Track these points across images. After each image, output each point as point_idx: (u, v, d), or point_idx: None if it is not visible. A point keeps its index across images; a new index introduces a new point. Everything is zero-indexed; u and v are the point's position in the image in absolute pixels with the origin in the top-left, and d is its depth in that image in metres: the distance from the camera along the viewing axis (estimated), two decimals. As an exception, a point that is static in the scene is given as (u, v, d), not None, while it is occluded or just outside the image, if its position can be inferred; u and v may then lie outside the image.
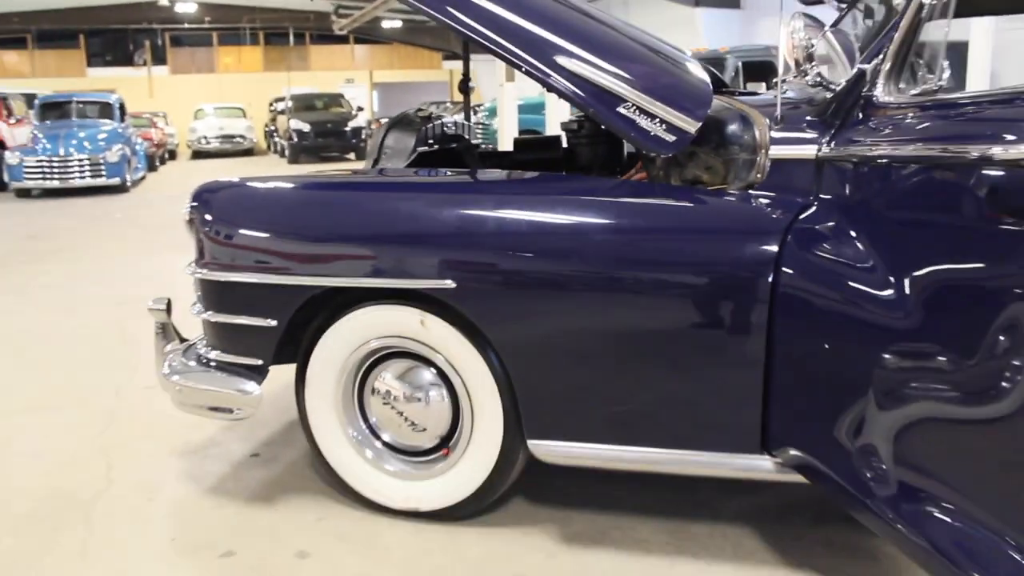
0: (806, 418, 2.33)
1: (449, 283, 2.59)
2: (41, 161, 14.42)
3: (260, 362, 2.92)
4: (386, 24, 32.28)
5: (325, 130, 22.66)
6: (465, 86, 4.14)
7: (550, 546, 2.71)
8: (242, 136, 27.30)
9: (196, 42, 35.28)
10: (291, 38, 35.91)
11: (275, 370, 2.95)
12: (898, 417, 2.12)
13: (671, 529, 2.78)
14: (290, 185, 2.99)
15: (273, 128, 27.37)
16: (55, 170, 14.46)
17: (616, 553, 2.66)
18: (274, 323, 2.84)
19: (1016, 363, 1.89)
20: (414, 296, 2.70)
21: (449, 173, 3.19)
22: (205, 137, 26.92)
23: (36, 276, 7.53)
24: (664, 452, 2.54)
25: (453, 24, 2.75)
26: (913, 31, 2.31)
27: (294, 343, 2.92)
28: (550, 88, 2.67)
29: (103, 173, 14.68)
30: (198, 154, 26.27)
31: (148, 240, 9.49)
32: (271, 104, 28.39)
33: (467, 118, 4.36)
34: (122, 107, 16.88)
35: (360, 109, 24.70)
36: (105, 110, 16.57)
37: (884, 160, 2.23)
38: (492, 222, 2.64)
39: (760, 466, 2.45)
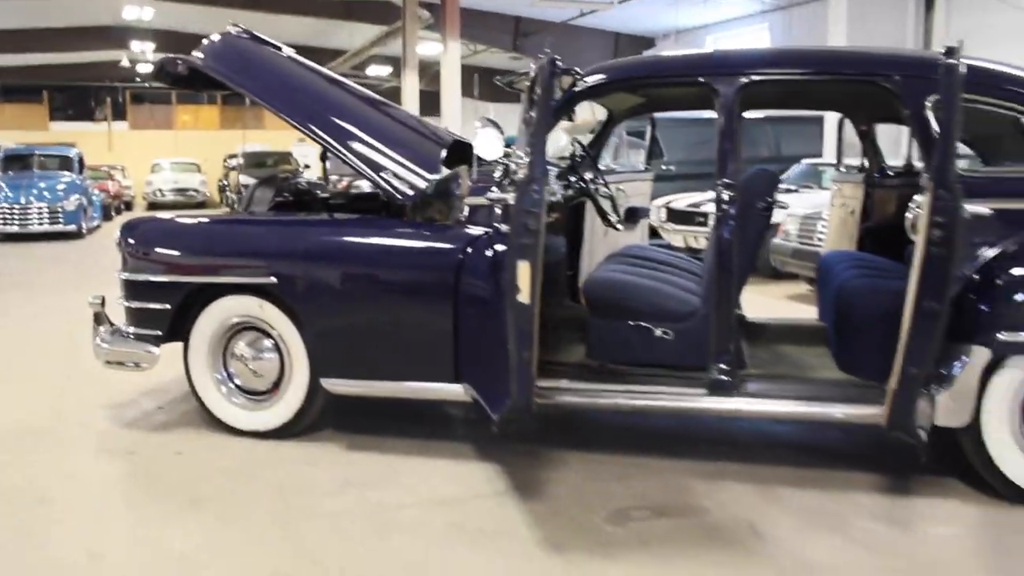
0: (471, 361, 3.96)
1: (273, 280, 4.21)
2: (3, 208, 15.91)
3: (159, 333, 4.50)
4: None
5: (271, 186, 24.13)
6: (324, 154, 5.81)
7: (337, 454, 4.29)
8: (195, 190, 28.84)
9: (156, 99, 36.82)
10: (247, 99, 37.46)
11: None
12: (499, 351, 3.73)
13: (421, 446, 4.39)
14: (180, 220, 4.63)
15: (226, 183, 28.91)
16: (15, 217, 15.95)
17: (379, 457, 4.25)
18: (168, 307, 4.44)
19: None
20: (254, 289, 4.31)
21: (281, 215, 4.84)
22: (160, 190, 28.44)
23: None
24: (401, 384, 4.17)
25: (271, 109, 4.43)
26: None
27: (183, 324, 4.49)
28: (339, 157, 4.34)
29: (60, 220, 16.19)
30: (153, 205, 27.70)
31: (96, 276, 10.98)
32: (225, 160, 29.93)
33: (324, 178, 6.03)
34: (80, 160, 18.45)
35: (307, 167, 26.29)
36: (65, 162, 18.15)
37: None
38: (300, 242, 4.29)
39: (455, 391, 4.06)
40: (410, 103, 18.30)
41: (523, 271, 3.30)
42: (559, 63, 3.54)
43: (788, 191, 11.20)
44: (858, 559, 3.18)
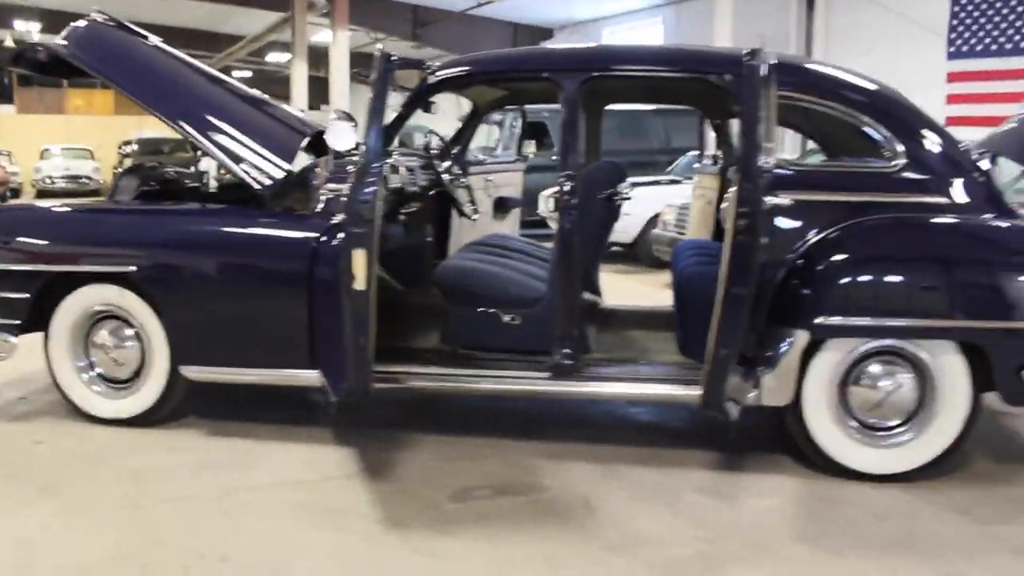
0: (325, 347, 4.06)
1: (132, 268, 4.25)
2: None
3: (18, 322, 4.49)
4: (236, 74, 33.60)
5: (165, 173, 23.71)
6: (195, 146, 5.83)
7: (197, 440, 4.36)
8: (88, 177, 28.04)
9: (45, 83, 35.69)
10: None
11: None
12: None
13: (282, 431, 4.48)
14: (40, 208, 4.63)
15: (120, 170, 28.23)
16: None
17: (238, 442, 4.33)
18: (27, 296, 4.43)
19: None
20: (114, 278, 4.34)
21: (143, 204, 4.86)
22: (50, 177, 27.57)
23: None
24: (258, 370, 4.25)
25: (136, 100, 4.45)
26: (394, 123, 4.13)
27: (45, 314, 4.49)
28: (199, 147, 4.39)
29: (-61, 207, 15.68)
30: (43, 193, 26.87)
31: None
32: (119, 147, 29.22)
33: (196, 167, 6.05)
34: (-38, 145, 17.84)
35: (204, 154, 25.88)
36: (-56, 147, 17.52)
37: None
38: (158, 231, 4.34)
39: (311, 376, 4.16)
40: (299, 90, 18.27)
41: (358, 259, 3.43)
42: (394, 58, 3.67)
43: (673, 182, 11.56)
44: (680, 530, 3.39)
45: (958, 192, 4.00)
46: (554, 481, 3.83)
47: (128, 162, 24.75)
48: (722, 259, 3.28)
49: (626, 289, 8.78)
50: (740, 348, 3.49)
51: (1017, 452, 4.37)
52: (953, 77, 14.14)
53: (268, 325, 4.21)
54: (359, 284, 3.45)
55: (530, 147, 6.57)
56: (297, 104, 18.59)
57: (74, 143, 30.17)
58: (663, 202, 9.91)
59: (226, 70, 31.52)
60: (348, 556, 3.17)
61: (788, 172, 3.92)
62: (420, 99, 4.23)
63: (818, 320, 3.72)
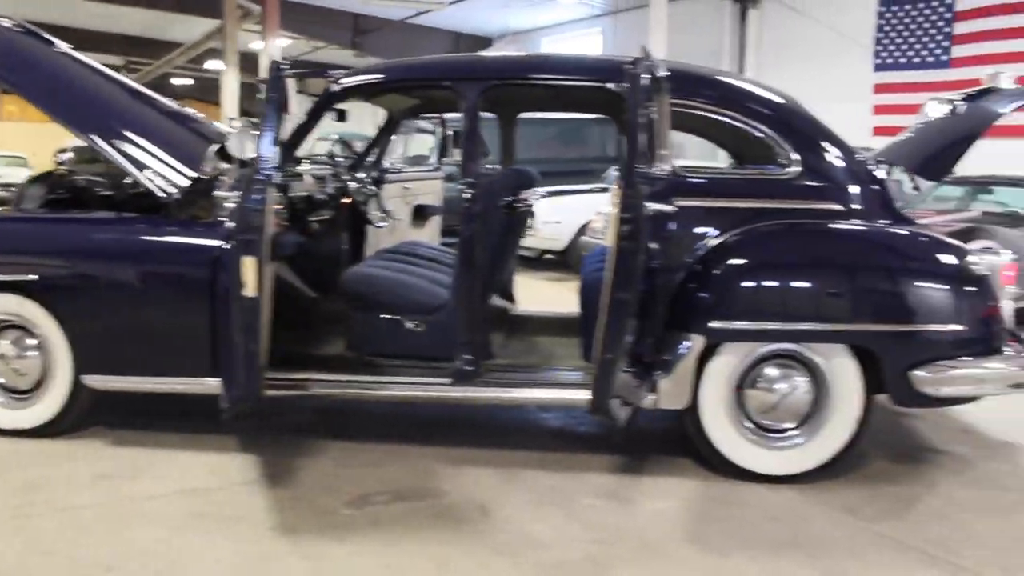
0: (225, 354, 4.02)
1: (34, 277, 4.19)
2: None
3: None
4: (176, 81, 33.26)
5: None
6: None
7: (99, 449, 4.30)
8: (21, 185, 27.50)
9: (-22, 90, 35.03)
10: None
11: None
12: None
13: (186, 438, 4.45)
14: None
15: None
16: None
17: (140, 451, 4.29)
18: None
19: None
20: (15, 287, 4.27)
21: (47, 213, 4.80)
22: (-18, 185, 27.03)
23: None
24: (161, 379, 4.21)
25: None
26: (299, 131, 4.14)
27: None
28: (104, 154, 4.35)
29: None
30: (-26, 202, 26.27)
31: None
32: (55, 155, 28.63)
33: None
34: None
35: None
36: None
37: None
38: (60, 239, 4.29)
39: (213, 384, 4.12)
40: (230, 97, 18.14)
41: (248, 266, 3.42)
42: (285, 67, 3.68)
43: (604, 190, 11.64)
44: (572, 533, 3.43)
45: (853, 199, 4.10)
46: (453, 486, 3.85)
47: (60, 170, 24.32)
48: (607, 265, 3.32)
49: (554, 296, 8.82)
50: (626, 353, 3.53)
51: (911, 451, 4.47)
52: (879, 89, 14.46)
53: (171, 333, 4.17)
54: (249, 291, 3.44)
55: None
56: (227, 111, 18.47)
57: (7, 150, 29.58)
58: (594, 210, 9.99)
59: (166, 77, 31.26)
60: (236, 563, 3.16)
61: (683, 179, 3.98)
62: (324, 107, 4.23)
63: (713, 324, 3.78)
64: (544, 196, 10.31)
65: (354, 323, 4.26)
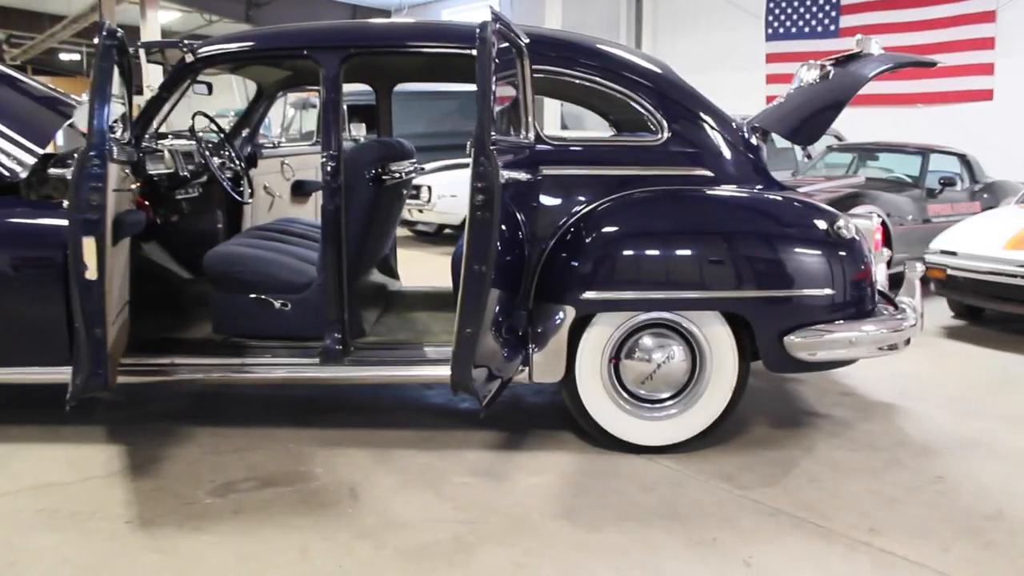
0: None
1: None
2: None
3: None
4: (64, 56, 32.04)
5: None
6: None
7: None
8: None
9: None
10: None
11: None
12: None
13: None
14: None
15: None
16: None
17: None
18: None
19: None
20: None
21: None
22: None
23: None
24: (15, 369, 3.95)
25: None
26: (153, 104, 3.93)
27: None
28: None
29: None
30: None
31: None
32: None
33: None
34: None
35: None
36: None
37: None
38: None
39: (63, 371, 3.86)
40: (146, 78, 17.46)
41: (88, 247, 3.22)
42: (118, 33, 3.48)
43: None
44: (441, 513, 3.34)
45: (725, 165, 4.06)
46: (324, 469, 3.73)
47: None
48: (464, 237, 3.21)
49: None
50: (492, 326, 3.43)
51: (792, 416, 4.49)
52: (771, 58, 14.61)
53: (24, 321, 3.93)
54: (91, 274, 3.24)
55: (360, 130, 6.40)
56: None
57: None
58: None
59: (53, 52, 30.08)
60: (83, 559, 2.98)
61: (548, 147, 3.90)
62: (180, 79, 4.02)
63: (584, 295, 3.71)
64: (438, 169, 10.27)
65: (217, 304, 4.09)
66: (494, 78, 3.14)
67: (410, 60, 4.38)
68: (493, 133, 3.14)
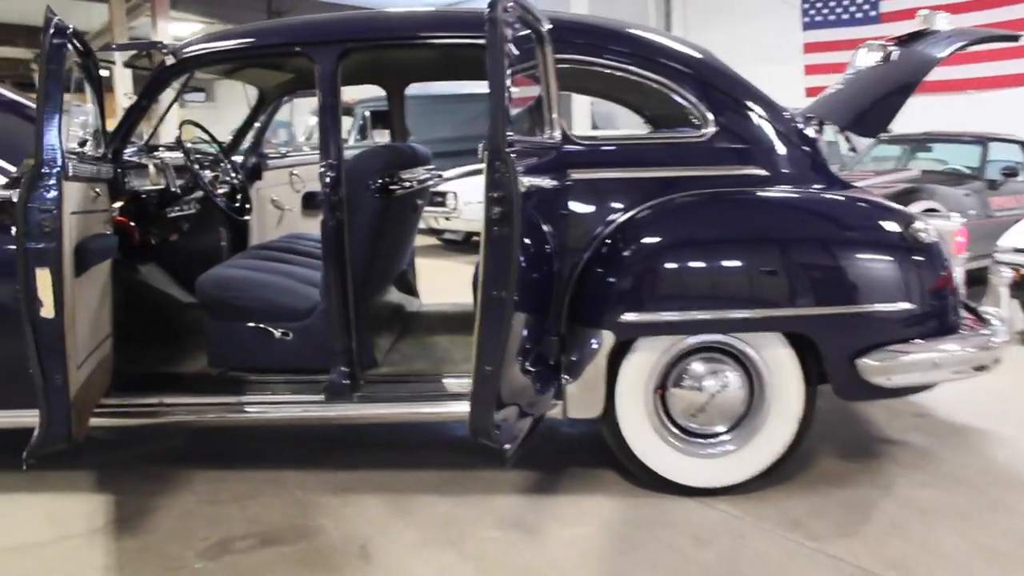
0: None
1: None
2: None
3: None
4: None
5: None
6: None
7: None
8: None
9: None
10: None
11: None
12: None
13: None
14: None
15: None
16: None
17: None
18: None
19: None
20: None
21: None
22: None
23: None
24: None
25: None
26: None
27: None
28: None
29: None
30: None
31: None
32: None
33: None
34: None
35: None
36: None
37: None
38: None
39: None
40: (120, 84, 17.20)
41: (43, 280, 2.77)
42: (69, 30, 3.03)
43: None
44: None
45: (780, 163, 3.56)
46: (333, 522, 3.27)
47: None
48: (479, 258, 2.72)
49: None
50: (519, 357, 2.96)
51: (863, 445, 3.97)
52: (809, 48, 14.02)
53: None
54: (48, 311, 2.79)
55: (384, 136, 5.95)
56: (120, 102, 17.50)
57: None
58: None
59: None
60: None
61: (578, 148, 3.41)
62: (160, 83, 3.59)
63: (623, 318, 3.23)
64: (463, 175, 9.80)
65: (212, 334, 3.65)
66: (508, 67, 2.65)
67: (421, 55, 3.90)
68: (510, 133, 2.65)
